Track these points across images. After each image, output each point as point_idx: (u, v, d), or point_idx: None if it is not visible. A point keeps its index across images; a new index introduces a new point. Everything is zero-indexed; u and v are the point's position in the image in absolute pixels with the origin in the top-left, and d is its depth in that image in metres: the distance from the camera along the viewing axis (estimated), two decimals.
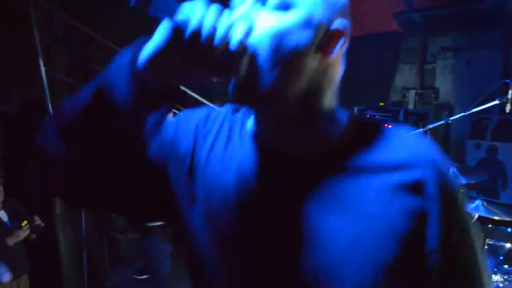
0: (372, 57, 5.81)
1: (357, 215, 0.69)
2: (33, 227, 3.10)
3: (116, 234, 4.74)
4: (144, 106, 0.66)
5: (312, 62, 0.69)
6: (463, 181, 3.45)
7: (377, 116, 4.37)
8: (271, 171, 0.74)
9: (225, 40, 0.62)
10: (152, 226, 3.52)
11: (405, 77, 5.82)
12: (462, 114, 2.92)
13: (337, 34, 0.70)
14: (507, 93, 2.61)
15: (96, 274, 4.01)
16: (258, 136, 0.77)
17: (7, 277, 2.69)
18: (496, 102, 2.70)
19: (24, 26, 3.79)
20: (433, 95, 5.40)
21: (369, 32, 5.66)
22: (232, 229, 0.74)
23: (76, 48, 4.50)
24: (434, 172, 0.70)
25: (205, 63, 0.63)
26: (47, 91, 3.76)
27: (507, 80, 2.69)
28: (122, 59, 0.67)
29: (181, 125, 0.83)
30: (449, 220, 0.69)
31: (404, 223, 0.68)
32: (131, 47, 0.67)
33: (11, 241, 2.96)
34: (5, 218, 3.09)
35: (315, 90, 0.72)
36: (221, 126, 0.82)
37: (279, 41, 0.66)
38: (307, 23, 0.68)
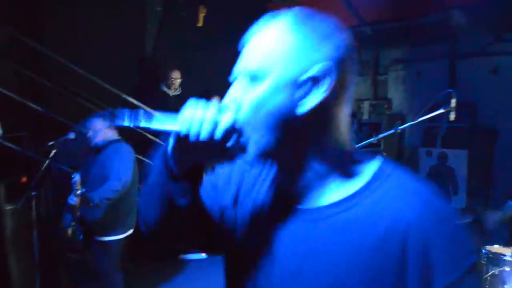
0: None
1: (351, 255, 0.76)
2: None
3: (71, 255, 4.58)
4: (181, 180, 0.85)
5: (297, 114, 0.77)
6: None
7: None
8: (279, 208, 0.87)
9: (211, 136, 0.77)
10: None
11: (359, 88, 5.98)
12: (411, 123, 3.04)
13: (315, 80, 0.76)
14: (450, 102, 2.74)
15: None
16: (276, 179, 0.91)
17: None
18: (442, 110, 2.83)
19: None
20: (386, 106, 5.57)
21: None
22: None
23: (26, 64, 4.37)
24: (423, 222, 0.73)
25: (208, 154, 0.82)
26: None
27: (450, 90, 2.83)
28: (159, 156, 0.88)
29: (220, 174, 1.01)
30: (431, 268, 0.72)
31: (388, 269, 0.74)
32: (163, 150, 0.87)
33: None
34: None
35: (317, 136, 0.81)
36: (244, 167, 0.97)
37: (258, 111, 0.77)
38: (277, 87, 0.76)
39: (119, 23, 5.28)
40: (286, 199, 0.86)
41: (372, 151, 0.90)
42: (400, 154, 5.07)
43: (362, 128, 4.19)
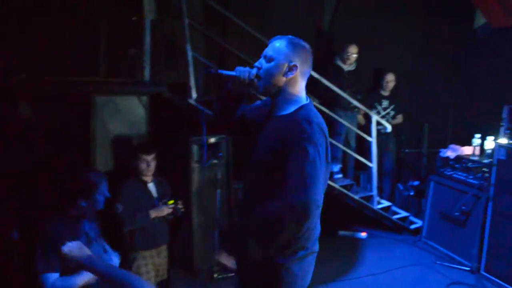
0: None
1: (277, 132, 1.90)
2: (175, 209, 3.25)
3: None
4: (233, 100, 2.08)
5: (282, 78, 1.91)
6: None
7: None
8: (269, 118, 2.00)
9: (250, 77, 1.94)
10: None
11: None
12: None
13: (292, 66, 1.90)
14: None
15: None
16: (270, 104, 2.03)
17: (116, 261, 2.79)
18: None
19: (175, 13, 4.00)
20: None
21: None
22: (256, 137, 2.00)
23: (214, 33, 4.65)
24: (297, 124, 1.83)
25: (247, 86, 1.98)
26: (191, 74, 3.94)
27: None
28: (224, 88, 2.07)
29: (258, 105, 2.20)
30: (292, 145, 1.77)
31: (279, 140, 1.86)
32: (226, 85, 2.05)
33: (152, 214, 3.15)
34: (153, 191, 3.31)
35: (285, 88, 1.93)
36: (266, 104, 2.10)
37: (267, 72, 1.92)
38: (277, 65, 1.90)
39: None
40: (270, 112, 1.99)
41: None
42: None
43: None
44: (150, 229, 3.17)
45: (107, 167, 3.52)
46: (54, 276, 2.22)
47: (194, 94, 3.95)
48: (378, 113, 5.68)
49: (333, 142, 5.13)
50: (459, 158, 4.79)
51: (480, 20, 5.98)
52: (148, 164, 3.21)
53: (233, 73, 1.93)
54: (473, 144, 4.79)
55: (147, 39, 3.69)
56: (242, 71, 1.91)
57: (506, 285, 4.12)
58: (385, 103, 5.76)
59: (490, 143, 4.59)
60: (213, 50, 4.85)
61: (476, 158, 4.67)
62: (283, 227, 1.71)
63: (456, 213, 4.58)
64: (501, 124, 4.20)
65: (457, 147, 4.84)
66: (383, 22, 5.70)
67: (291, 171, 1.71)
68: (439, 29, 6.02)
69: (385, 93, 5.77)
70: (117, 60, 3.83)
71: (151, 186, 3.30)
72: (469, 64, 5.94)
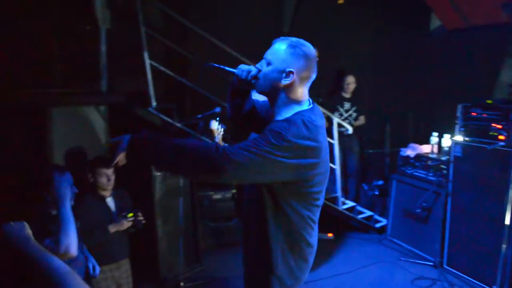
0: (475, 51, 5.42)
1: None
2: (135, 221, 3.16)
3: (208, 222, 4.88)
4: (238, 96, 2.05)
5: (279, 83, 1.81)
6: None
7: (484, 115, 4.06)
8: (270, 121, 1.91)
9: (248, 78, 1.89)
10: None
11: None
12: None
13: (289, 72, 1.79)
14: None
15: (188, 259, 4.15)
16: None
17: (97, 270, 2.74)
18: None
19: (132, 21, 3.98)
20: None
21: (473, 25, 5.28)
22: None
23: (173, 40, 4.64)
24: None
25: (246, 85, 1.93)
26: (150, 82, 3.92)
27: None
28: (231, 82, 2.04)
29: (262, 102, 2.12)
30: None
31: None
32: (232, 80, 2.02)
33: (112, 228, 3.06)
34: (112, 205, 3.22)
35: (282, 94, 1.84)
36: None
37: (265, 76, 1.84)
38: (274, 70, 1.81)
39: (258, 1, 5.36)
40: (272, 114, 1.92)
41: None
42: None
43: None
44: (108, 244, 3.08)
45: None
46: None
47: (153, 103, 3.92)
48: (341, 115, 5.78)
49: None
50: (419, 157, 4.92)
51: (435, 22, 6.18)
52: (109, 178, 3.13)
53: (233, 70, 1.91)
54: (431, 142, 4.94)
55: (103, 48, 3.65)
56: (241, 70, 1.88)
57: (467, 277, 4.26)
58: (347, 105, 5.86)
59: (447, 141, 4.74)
60: (174, 57, 4.85)
61: (434, 156, 4.81)
62: (193, 156, 1.66)
63: (418, 210, 4.70)
64: (456, 122, 4.34)
65: (416, 146, 4.97)
66: (342, 24, 5.81)
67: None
68: (397, 32, 6.18)
69: (347, 95, 5.87)
70: (73, 71, 3.77)
71: (110, 200, 3.22)
72: (426, 65, 6.12)
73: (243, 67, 1.89)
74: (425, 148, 4.97)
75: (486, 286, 3.98)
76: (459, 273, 4.35)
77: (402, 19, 6.15)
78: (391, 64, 6.16)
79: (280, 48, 1.80)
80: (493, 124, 3.96)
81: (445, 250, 4.51)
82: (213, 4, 5.09)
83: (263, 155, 1.63)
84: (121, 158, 1.72)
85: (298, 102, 1.85)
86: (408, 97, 6.23)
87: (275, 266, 1.85)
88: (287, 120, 1.76)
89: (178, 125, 3.98)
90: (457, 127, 4.34)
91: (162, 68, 3.97)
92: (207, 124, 3.27)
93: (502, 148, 3.73)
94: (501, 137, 3.82)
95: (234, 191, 4.97)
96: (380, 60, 6.20)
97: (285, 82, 1.79)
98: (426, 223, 4.75)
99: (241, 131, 2.27)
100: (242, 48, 4.71)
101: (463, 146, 4.28)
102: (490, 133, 3.96)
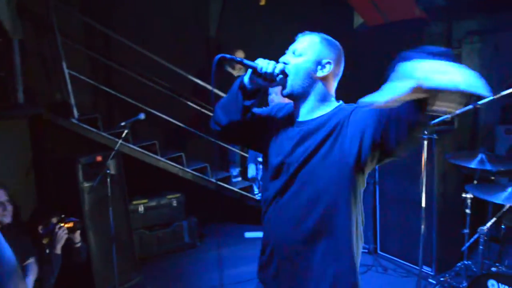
0: (394, 46, 5.69)
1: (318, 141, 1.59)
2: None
3: (144, 231, 4.82)
4: (248, 97, 1.70)
5: (314, 75, 1.63)
6: (492, 168, 3.37)
7: None
8: (289, 123, 1.72)
9: (272, 71, 1.60)
10: None
11: None
12: (488, 99, 2.83)
13: (326, 63, 1.63)
14: None
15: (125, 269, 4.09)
16: (288, 111, 1.79)
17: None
18: None
19: (47, 31, 3.89)
20: None
21: (390, 20, 5.55)
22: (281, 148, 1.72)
23: (97, 50, 4.58)
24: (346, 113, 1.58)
25: (268, 81, 1.64)
26: (71, 92, 3.85)
27: None
28: (238, 81, 1.71)
29: (268, 109, 1.87)
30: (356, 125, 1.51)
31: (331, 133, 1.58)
32: (241, 77, 1.71)
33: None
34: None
35: (316, 88, 1.66)
36: (279, 108, 1.84)
37: (297, 67, 1.63)
38: (309, 60, 1.62)
39: (183, 5, 5.37)
40: (293, 118, 1.72)
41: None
42: (474, 131, 4.77)
43: None
44: None
45: None
46: None
47: (75, 113, 3.85)
48: None
49: (230, 147, 5.25)
50: None
51: (358, 20, 6.44)
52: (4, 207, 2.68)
53: (252, 63, 1.62)
54: None
55: (17, 59, 3.54)
56: (265, 63, 1.61)
57: (399, 260, 4.47)
58: None
59: None
60: (99, 67, 4.78)
61: None
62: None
63: None
64: None
65: None
66: (268, 26, 5.93)
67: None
68: (322, 31, 6.37)
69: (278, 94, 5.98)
70: None
71: None
72: (353, 61, 6.34)
73: (264, 60, 1.63)
74: None
75: (415, 267, 4.18)
76: (392, 257, 4.55)
77: (326, 18, 6.35)
78: None
79: (312, 39, 1.65)
80: None
81: (378, 237, 4.71)
82: (136, 11, 5.05)
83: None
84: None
85: (332, 98, 1.68)
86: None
87: (356, 275, 1.66)
88: (339, 110, 1.62)
89: (104, 134, 3.93)
90: None
91: (82, 77, 3.91)
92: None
93: None
94: None
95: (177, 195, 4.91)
96: None
97: (322, 73, 1.62)
98: None
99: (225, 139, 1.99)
100: (168, 55, 4.72)
101: None
102: None
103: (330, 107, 1.64)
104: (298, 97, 1.66)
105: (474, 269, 3.64)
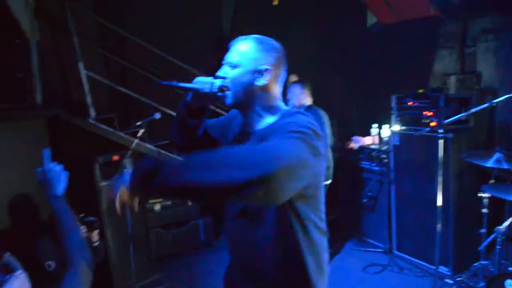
0: (409, 45, 5.66)
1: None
2: (97, 248, 2.96)
3: (160, 230, 4.86)
4: (194, 116, 1.69)
5: (254, 85, 1.58)
6: (510, 167, 3.34)
7: (416, 103, 4.26)
8: (243, 137, 1.67)
9: (214, 90, 1.58)
10: None
11: (445, 62, 5.62)
12: (507, 96, 2.81)
13: (264, 70, 1.57)
14: None
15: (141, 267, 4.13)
16: (240, 120, 1.72)
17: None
18: None
19: (64, 32, 3.94)
20: (475, 80, 5.18)
21: (404, 19, 5.52)
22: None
23: (112, 50, 4.63)
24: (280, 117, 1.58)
25: (209, 100, 1.65)
26: (87, 93, 3.89)
27: None
28: (182, 102, 1.69)
29: (222, 120, 1.88)
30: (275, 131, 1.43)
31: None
32: (184, 99, 1.69)
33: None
34: None
35: (259, 97, 1.60)
36: (233, 117, 1.81)
37: (235, 81, 1.58)
38: (246, 71, 1.56)
39: (196, 5, 5.40)
40: (243, 128, 1.68)
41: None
42: (491, 130, 4.72)
43: (449, 103, 3.95)
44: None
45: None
46: None
47: (92, 113, 3.89)
48: None
49: None
50: (362, 148, 5.09)
51: (372, 19, 6.41)
52: None
53: (191, 85, 1.60)
54: (372, 134, 5.12)
55: (35, 60, 3.59)
56: (203, 83, 1.58)
57: (415, 260, 4.45)
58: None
59: (386, 131, 4.94)
60: (113, 66, 4.83)
61: (376, 147, 4.99)
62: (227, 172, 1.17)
63: (364, 200, 4.86)
64: (392, 112, 4.53)
65: (359, 138, 5.14)
66: (281, 26, 5.93)
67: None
68: (335, 31, 6.36)
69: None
70: (5, 86, 3.68)
71: None
72: (366, 60, 6.33)
73: (201, 79, 1.60)
74: (367, 140, 5.15)
75: (432, 266, 4.16)
76: (407, 257, 4.54)
77: (340, 17, 6.34)
78: (333, 62, 6.34)
79: (245, 46, 1.57)
80: (424, 112, 4.16)
81: (393, 236, 4.69)
82: (150, 11, 5.09)
83: (303, 161, 1.29)
84: (124, 197, 1.36)
85: (277, 104, 1.63)
86: (351, 92, 6.42)
87: None
88: (283, 116, 1.56)
89: (120, 133, 3.97)
90: (393, 117, 4.53)
91: (98, 78, 3.95)
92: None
93: (429, 134, 3.92)
94: (432, 124, 4.02)
95: None
96: (322, 59, 6.37)
97: (261, 82, 1.57)
98: (374, 212, 4.91)
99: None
100: (181, 54, 4.75)
101: (400, 135, 4.47)
102: (422, 120, 4.17)
103: (277, 114, 1.59)
104: (244, 107, 1.62)
105: (491, 269, 3.61)
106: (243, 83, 1.56)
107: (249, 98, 1.58)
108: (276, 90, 1.62)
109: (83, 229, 2.93)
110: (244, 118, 1.66)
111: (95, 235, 3.07)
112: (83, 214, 3.00)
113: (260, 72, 1.56)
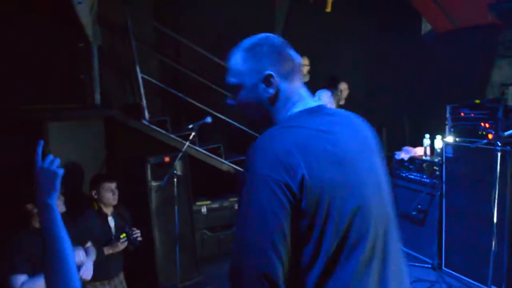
0: (465, 53, 5.48)
1: None
2: (131, 239, 3.15)
3: (206, 231, 4.94)
4: None
5: (264, 100, 1.33)
6: None
7: (472, 114, 4.11)
8: None
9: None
10: None
11: (504, 72, 5.39)
12: None
13: (267, 78, 1.31)
14: None
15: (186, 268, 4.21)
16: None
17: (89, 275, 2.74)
18: None
19: (122, 36, 4.11)
20: None
21: (461, 27, 5.36)
22: None
23: (167, 54, 4.78)
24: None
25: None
26: (143, 95, 4.04)
27: None
28: None
29: None
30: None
31: None
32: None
33: (107, 251, 3.06)
34: (112, 224, 3.25)
35: (273, 106, 1.35)
36: None
37: (243, 103, 1.37)
38: (250, 88, 1.33)
39: (248, 12, 5.47)
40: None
41: None
42: None
43: (508, 115, 3.78)
44: (103, 262, 3.04)
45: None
46: (23, 278, 2.25)
47: (147, 115, 4.03)
48: None
49: None
50: (413, 159, 4.95)
51: (426, 26, 6.26)
52: (113, 192, 3.18)
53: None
54: (424, 145, 4.98)
55: (95, 64, 3.77)
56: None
57: (465, 278, 4.26)
58: None
59: (438, 142, 4.78)
60: (168, 70, 4.98)
61: (427, 158, 4.84)
62: None
63: (414, 212, 4.72)
64: (446, 123, 4.39)
65: (409, 148, 5.01)
66: (334, 30, 5.91)
67: None
68: (388, 37, 6.26)
69: (341, 101, 5.93)
70: (68, 86, 3.89)
71: (111, 219, 3.25)
72: (419, 69, 6.19)
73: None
74: (418, 151, 5.01)
75: (483, 286, 3.98)
76: (457, 274, 4.35)
77: (393, 25, 6.24)
78: (384, 69, 6.24)
79: (236, 61, 1.35)
80: (481, 124, 4.00)
81: (443, 252, 4.52)
82: (205, 18, 5.22)
83: (251, 219, 1.20)
84: None
85: (293, 103, 1.35)
86: (402, 101, 6.28)
87: None
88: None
89: (172, 136, 4.08)
90: (447, 127, 4.39)
91: (154, 81, 4.09)
92: None
93: (485, 146, 3.76)
94: (490, 136, 3.86)
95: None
96: (373, 66, 6.28)
97: (269, 93, 1.32)
98: (423, 225, 4.76)
99: None
100: None
101: (454, 146, 4.32)
102: (479, 132, 4.01)
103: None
104: (265, 124, 1.37)
105: None
106: (253, 103, 1.35)
107: (268, 114, 1.36)
108: (288, 90, 1.34)
109: (124, 243, 3.12)
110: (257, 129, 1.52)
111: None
112: (131, 231, 3.17)
113: (264, 82, 1.32)
